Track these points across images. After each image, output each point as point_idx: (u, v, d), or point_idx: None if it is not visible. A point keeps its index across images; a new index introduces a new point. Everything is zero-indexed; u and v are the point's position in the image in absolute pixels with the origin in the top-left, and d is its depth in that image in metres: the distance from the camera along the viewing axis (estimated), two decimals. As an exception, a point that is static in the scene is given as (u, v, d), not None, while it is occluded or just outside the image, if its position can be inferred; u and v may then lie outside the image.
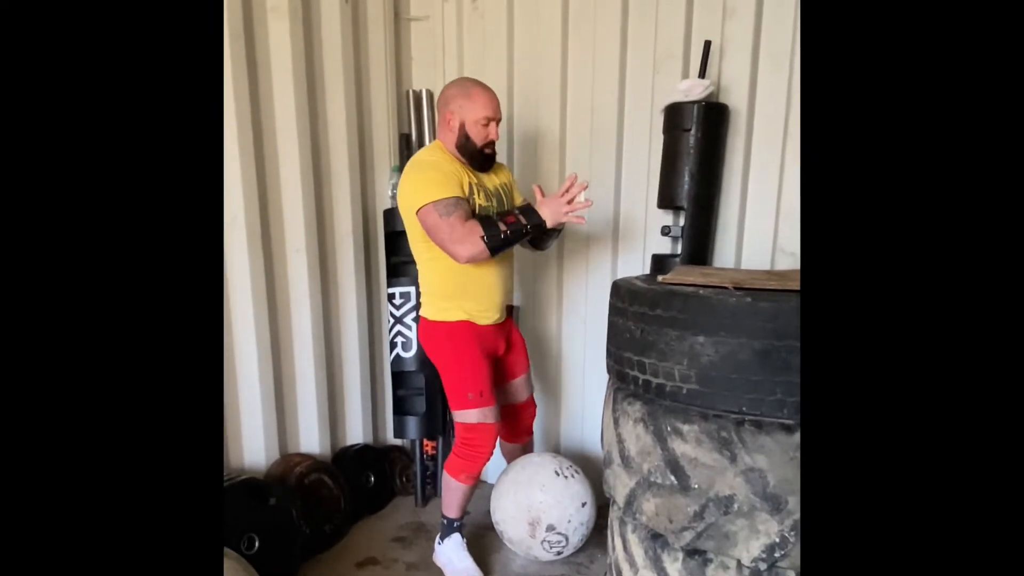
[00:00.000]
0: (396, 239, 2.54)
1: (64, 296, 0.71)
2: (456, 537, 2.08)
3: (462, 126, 1.87)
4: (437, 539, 2.13)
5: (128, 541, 0.74)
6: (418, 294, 2.46)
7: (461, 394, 1.97)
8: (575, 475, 2.11)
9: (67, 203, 0.71)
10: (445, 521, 2.10)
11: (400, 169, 2.56)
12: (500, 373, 2.17)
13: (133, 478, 0.74)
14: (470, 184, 1.88)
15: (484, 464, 2.03)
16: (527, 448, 2.36)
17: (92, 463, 0.72)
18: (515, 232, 1.80)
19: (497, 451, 2.42)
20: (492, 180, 2.00)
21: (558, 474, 2.09)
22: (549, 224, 1.81)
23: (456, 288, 1.96)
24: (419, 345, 2.48)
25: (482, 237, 1.76)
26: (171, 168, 0.76)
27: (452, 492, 2.05)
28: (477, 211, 1.88)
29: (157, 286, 0.76)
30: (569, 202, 1.78)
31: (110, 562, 0.73)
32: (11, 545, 0.69)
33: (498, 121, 1.92)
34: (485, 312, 2.02)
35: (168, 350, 0.76)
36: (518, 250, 2.14)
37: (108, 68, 0.72)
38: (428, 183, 1.80)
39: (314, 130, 2.30)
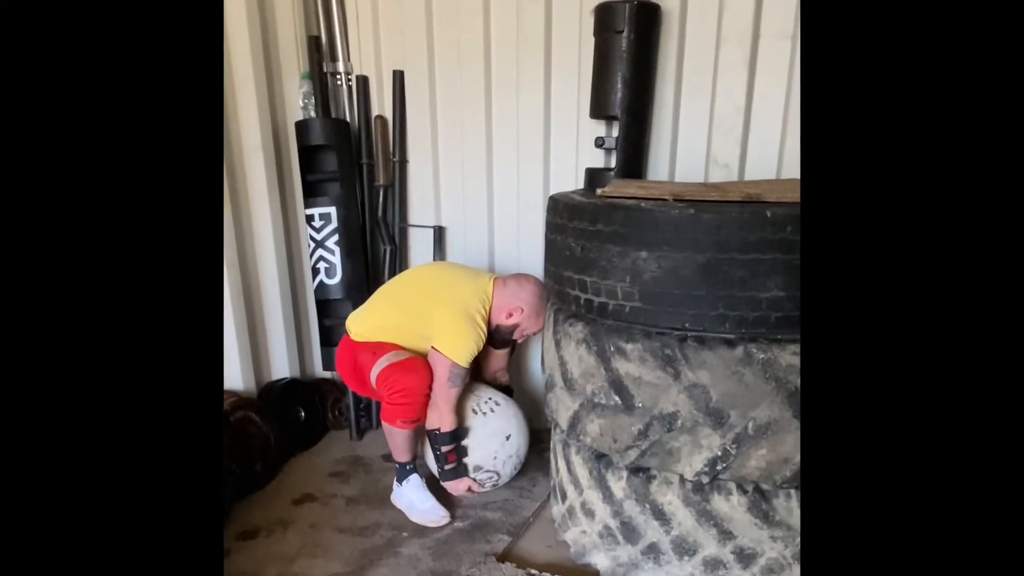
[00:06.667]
0: (312, 154, 2.33)
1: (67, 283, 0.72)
2: (415, 478, 2.02)
3: (515, 327, 2.04)
4: (395, 481, 2.06)
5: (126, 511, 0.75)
6: (338, 216, 2.32)
7: (376, 356, 1.99)
8: (494, 409, 2.07)
9: (68, 180, 0.72)
10: (398, 465, 2.04)
11: (310, 76, 2.32)
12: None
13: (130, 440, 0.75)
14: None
15: (416, 408, 1.94)
16: None
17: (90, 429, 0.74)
18: (436, 454, 2.01)
19: None
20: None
21: (476, 412, 2.04)
22: (446, 482, 2.05)
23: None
24: (344, 271, 2.35)
25: (438, 429, 1.96)
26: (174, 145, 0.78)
27: (394, 439, 1.99)
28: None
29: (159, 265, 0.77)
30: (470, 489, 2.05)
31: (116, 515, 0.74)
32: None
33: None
34: None
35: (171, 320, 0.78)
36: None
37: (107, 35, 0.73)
38: (465, 346, 1.93)
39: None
